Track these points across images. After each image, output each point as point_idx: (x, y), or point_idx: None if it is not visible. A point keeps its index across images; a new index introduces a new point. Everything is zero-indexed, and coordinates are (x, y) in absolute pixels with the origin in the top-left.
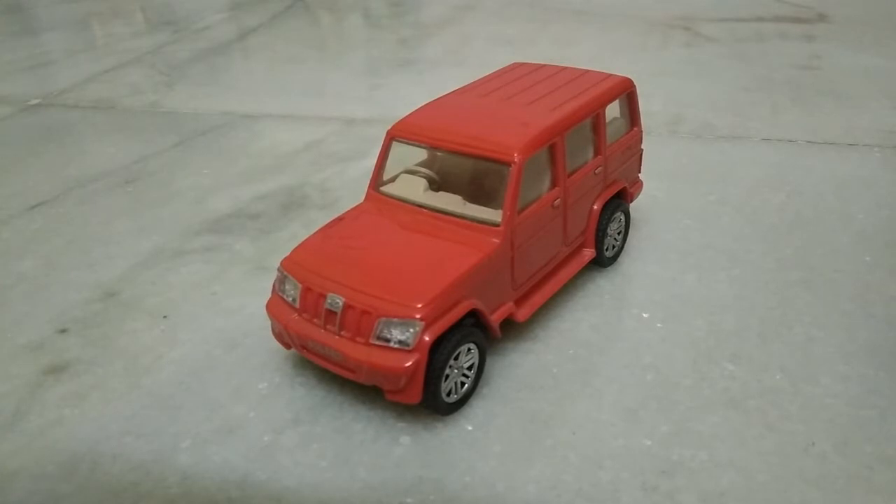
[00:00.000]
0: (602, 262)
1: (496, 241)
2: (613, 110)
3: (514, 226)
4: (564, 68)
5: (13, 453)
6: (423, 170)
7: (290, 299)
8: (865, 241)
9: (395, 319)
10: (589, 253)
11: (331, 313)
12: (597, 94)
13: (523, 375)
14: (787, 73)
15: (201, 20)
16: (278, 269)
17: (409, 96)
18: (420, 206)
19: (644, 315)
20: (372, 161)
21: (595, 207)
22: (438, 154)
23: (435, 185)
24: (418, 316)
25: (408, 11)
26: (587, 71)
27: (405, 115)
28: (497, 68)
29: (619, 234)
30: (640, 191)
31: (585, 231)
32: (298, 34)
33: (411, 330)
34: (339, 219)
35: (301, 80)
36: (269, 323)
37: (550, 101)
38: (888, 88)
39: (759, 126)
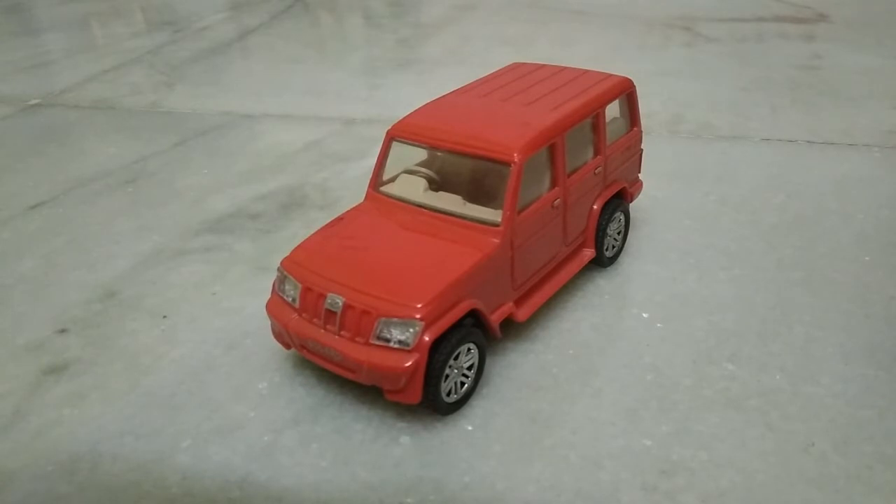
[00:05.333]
0: (602, 262)
1: (496, 241)
2: (613, 110)
3: (513, 226)
4: (564, 68)
5: (13, 453)
6: (423, 170)
7: (290, 299)
8: (865, 241)
9: (395, 319)
10: (589, 253)
11: (331, 313)
12: (597, 94)
13: (523, 375)
14: (787, 73)
15: (201, 20)
16: (278, 269)
17: (409, 96)
18: (420, 206)
19: (644, 315)
20: (372, 161)
21: (595, 207)
22: (438, 154)
23: (435, 185)
24: (418, 316)
25: (408, 11)
26: (587, 71)
27: (405, 115)
28: (497, 68)
29: (618, 234)
30: (640, 191)
31: (585, 231)
32: (298, 34)
33: (411, 330)
34: (339, 219)
35: (301, 80)
36: (268, 323)
37: (550, 101)
38: (888, 88)
39: (759, 126)
